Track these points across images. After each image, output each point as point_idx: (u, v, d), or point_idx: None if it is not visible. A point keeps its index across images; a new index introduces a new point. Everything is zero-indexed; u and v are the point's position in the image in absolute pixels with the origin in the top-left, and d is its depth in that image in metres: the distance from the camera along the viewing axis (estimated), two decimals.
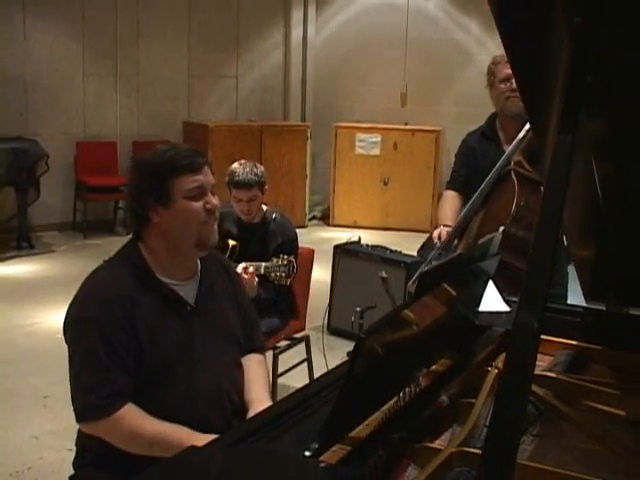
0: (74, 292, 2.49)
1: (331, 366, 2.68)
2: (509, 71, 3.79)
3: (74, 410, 2.40)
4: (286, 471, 1.52)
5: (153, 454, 2.27)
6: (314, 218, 11.35)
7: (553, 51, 1.60)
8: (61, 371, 5.27)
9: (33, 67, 9.45)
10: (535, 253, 1.48)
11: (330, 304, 6.29)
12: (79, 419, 2.38)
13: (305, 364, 4.92)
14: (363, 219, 10.71)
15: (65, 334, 2.46)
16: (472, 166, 4.06)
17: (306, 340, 4.88)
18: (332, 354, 5.37)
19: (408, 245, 6.66)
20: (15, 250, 8.78)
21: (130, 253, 2.51)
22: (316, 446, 1.56)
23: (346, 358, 5.57)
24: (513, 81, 3.79)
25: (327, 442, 1.58)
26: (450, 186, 4.21)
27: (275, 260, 4.05)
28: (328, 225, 10.98)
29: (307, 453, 1.56)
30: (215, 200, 2.49)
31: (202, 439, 2.13)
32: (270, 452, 1.62)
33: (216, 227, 2.55)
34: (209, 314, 2.57)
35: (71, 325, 2.44)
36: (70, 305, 2.47)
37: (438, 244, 3.89)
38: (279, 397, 4.42)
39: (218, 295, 2.63)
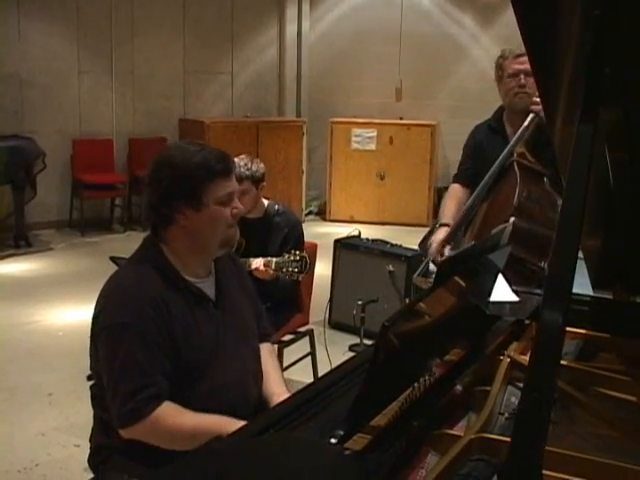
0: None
1: (333, 360, 2.71)
2: (518, 66, 3.82)
3: (114, 417, 2.37)
4: (312, 458, 1.54)
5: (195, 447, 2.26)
6: (311, 213, 11.37)
7: (570, 40, 1.62)
8: (64, 368, 5.36)
9: (28, 65, 9.45)
10: (558, 247, 1.48)
11: (331, 298, 6.32)
12: (120, 426, 2.35)
13: (309, 358, 4.94)
14: (360, 214, 10.74)
15: (97, 341, 2.43)
16: (479, 158, 4.06)
17: (310, 334, 4.90)
18: (334, 348, 5.40)
19: (405, 239, 6.69)
20: (13, 248, 8.78)
21: (152, 254, 2.50)
22: (341, 433, 1.58)
23: (348, 352, 5.64)
24: (522, 77, 3.81)
25: (352, 429, 1.60)
26: (456, 179, 4.22)
27: (287, 256, 4.06)
28: (325, 220, 11.00)
29: (333, 440, 1.59)
30: (240, 205, 2.53)
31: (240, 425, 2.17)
32: (296, 440, 1.65)
33: (237, 226, 2.58)
34: (228, 308, 2.59)
35: (106, 332, 2.40)
36: (100, 312, 2.43)
37: (436, 256, 3.88)
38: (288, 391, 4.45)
39: (232, 289, 2.65)
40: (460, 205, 4.07)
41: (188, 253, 2.50)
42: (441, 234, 3.96)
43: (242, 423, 2.15)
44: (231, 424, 2.23)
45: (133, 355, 2.33)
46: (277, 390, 2.61)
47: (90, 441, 2.59)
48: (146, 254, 2.52)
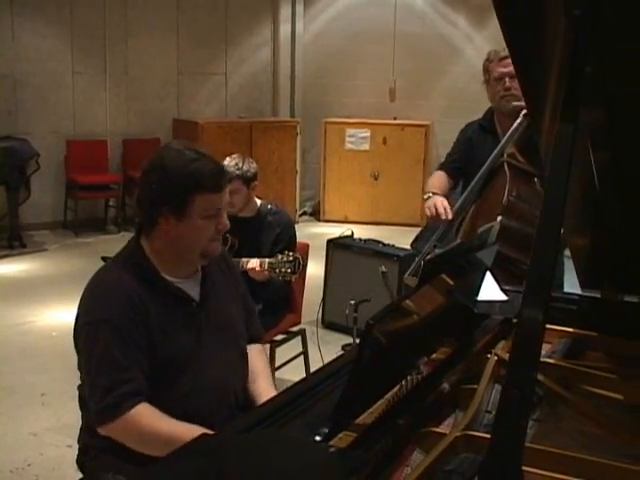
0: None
1: (326, 359, 2.73)
2: (503, 69, 3.85)
3: (91, 413, 2.38)
4: (297, 455, 1.55)
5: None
6: (305, 214, 11.38)
7: (551, 40, 1.64)
8: (58, 369, 5.36)
9: (22, 66, 9.45)
10: (538, 244, 1.50)
11: (324, 298, 6.33)
12: (97, 423, 2.36)
13: (301, 357, 4.95)
14: (354, 214, 10.75)
15: (77, 338, 2.45)
16: (468, 154, 4.09)
17: (302, 334, 4.91)
18: (327, 348, 5.40)
19: (399, 239, 6.70)
20: (7, 249, 8.78)
21: (133, 253, 2.50)
22: (326, 431, 1.60)
23: (341, 351, 5.64)
24: (507, 80, 3.84)
25: (337, 427, 1.62)
26: (442, 167, 4.24)
27: (280, 256, 4.07)
28: (319, 220, 11.02)
29: (317, 438, 1.60)
30: (226, 221, 2.50)
31: None
32: (281, 437, 1.66)
33: (221, 240, 2.57)
34: (214, 310, 2.58)
35: (84, 329, 2.41)
36: (79, 309, 2.45)
37: (444, 217, 3.84)
38: (276, 390, 4.46)
39: (221, 289, 2.64)
40: (443, 185, 4.08)
41: (169, 255, 2.49)
42: (432, 200, 3.92)
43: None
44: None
45: (109, 351, 2.33)
46: (265, 390, 2.61)
47: (78, 442, 2.60)
48: (128, 253, 2.53)
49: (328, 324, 6.26)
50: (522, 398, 1.22)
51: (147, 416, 2.32)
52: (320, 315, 5.97)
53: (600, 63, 1.55)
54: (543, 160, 2.53)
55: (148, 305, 2.41)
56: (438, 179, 4.16)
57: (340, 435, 1.67)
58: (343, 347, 5.83)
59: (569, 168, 1.42)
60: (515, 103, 3.78)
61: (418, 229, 8.47)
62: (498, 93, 3.91)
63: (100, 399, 2.33)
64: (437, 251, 3.25)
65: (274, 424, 1.74)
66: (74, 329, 2.46)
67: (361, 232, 6.69)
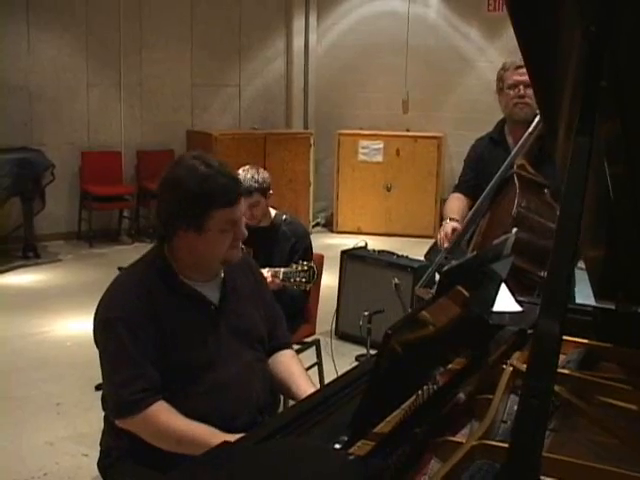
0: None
1: (340, 370, 2.76)
2: (517, 77, 3.87)
3: (109, 407, 2.49)
4: (317, 463, 1.58)
5: (179, 451, 2.34)
6: (318, 225, 11.40)
7: (566, 53, 1.66)
8: (73, 378, 5.40)
9: (37, 78, 9.52)
10: (554, 258, 1.51)
11: (338, 309, 6.35)
12: (115, 416, 2.45)
13: (315, 368, 4.96)
14: (367, 225, 10.77)
15: (95, 336, 2.54)
16: (480, 171, 4.10)
17: (317, 344, 4.93)
18: (340, 359, 5.42)
19: (412, 250, 6.71)
20: (22, 260, 8.83)
21: (155, 256, 2.58)
22: (345, 439, 1.62)
23: (355, 362, 5.65)
24: (521, 87, 3.86)
25: (356, 435, 1.64)
26: (457, 189, 4.26)
27: (295, 266, 4.08)
28: (332, 232, 11.03)
29: (337, 446, 1.62)
30: (244, 230, 2.56)
31: (226, 438, 2.20)
32: (301, 445, 1.68)
33: (241, 246, 2.61)
34: (233, 313, 2.63)
35: (100, 326, 2.51)
36: (98, 306, 2.54)
37: (445, 244, 3.93)
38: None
39: (242, 294, 2.69)
40: (462, 208, 4.10)
41: (189, 261, 2.55)
42: (448, 226, 3.98)
43: (230, 436, 2.21)
44: (216, 436, 2.28)
45: (124, 348, 2.41)
46: (308, 390, 2.61)
47: (100, 444, 2.64)
48: (150, 257, 2.61)
49: (341, 335, 6.28)
50: (540, 407, 1.24)
51: (165, 414, 2.39)
52: (334, 326, 5.98)
53: (615, 77, 1.58)
54: (558, 172, 2.55)
55: (166, 306, 2.48)
56: (455, 202, 4.18)
57: (359, 444, 1.69)
58: (357, 358, 5.84)
59: (585, 181, 1.44)
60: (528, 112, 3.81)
61: (431, 241, 8.46)
62: (512, 100, 3.93)
63: (117, 394, 2.43)
64: (453, 262, 3.27)
65: (293, 432, 1.76)
66: (93, 324, 2.55)
67: (374, 243, 6.71)
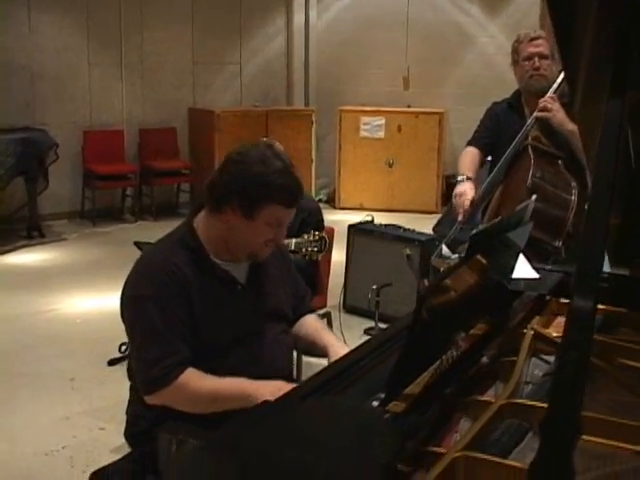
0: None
1: (349, 343, 2.85)
2: (532, 49, 3.91)
3: (139, 384, 2.49)
4: (357, 420, 1.63)
5: (216, 409, 2.35)
6: (320, 201, 11.41)
7: (593, 25, 1.69)
8: (84, 354, 5.45)
9: (39, 58, 9.52)
10: (587, 230, 1.51)
11: (345, 283, 6.40)
12: (145, 392, 2.46)
13: None
14: (369, 201, 10.80)
15: (122, 313, 2.54)
16: (495, 131, 4.15)
17: (328, 316, 4.97)
18: (349, 332, 5.46)
19: (414, 226, 6.74)
20: (26, 239, 8.87)
21: (184, 234, 2.59)
22: (382, 396, 1.67)
23: (364, 335, 5.72)
24: (536, 59, 3.90)
25: (391, 394, 1.68)
26: (471, 143, 4.28)
27: (306, 236, 4.12)
28: (334, 208, 11.05)
29: (374, 403, 1.67)
30: (284, 236, 2.63)
31: (262, 386, 2.29)
32: (340, 403, 1.73)
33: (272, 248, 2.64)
34: (260, 292, 2.66)
35: (128, 303, 2.52)
36: (125, 284, 2.54)
37: (461, 215, 3.95)
38: (303, 374, 4.52)
39: (269, 273, 2.71)
40: (475, 163, 4.14)
41: (219, 242, 2.57)
42: (463, 187, 4.03)
43: (265, 383, 2.31)
44: (253, 384, 2.35)
45: (154, 325, 2.42)
46: (332, 341, 2.70)
47: (126, 413, 2.68)
48: (179, 233, 2.61)
49: (349, 308, 6.33)
50: (580, 359, 1.28)
51: (194, 378, 2.41)
52: (342, 299, 6.03)
53: None
54: (581, 139, 2.58)
55: (192, 283, 2.49)
56: (469, 157, 4.20)
57: (392, 404, 1.74)
58: (366, 331, 5.90)
59: (618, 144, 1.47)
60: (540, 105, 3.84)
61: (433, 216, 8.51)
62: (527, 72, 3.97)
63: (147, 371, 2.43)
64: (480, 227, 3.30)
65: (331, 391, 1.81)
66: (120, 299, 2.55)
67: (377, 220, 6.75)
